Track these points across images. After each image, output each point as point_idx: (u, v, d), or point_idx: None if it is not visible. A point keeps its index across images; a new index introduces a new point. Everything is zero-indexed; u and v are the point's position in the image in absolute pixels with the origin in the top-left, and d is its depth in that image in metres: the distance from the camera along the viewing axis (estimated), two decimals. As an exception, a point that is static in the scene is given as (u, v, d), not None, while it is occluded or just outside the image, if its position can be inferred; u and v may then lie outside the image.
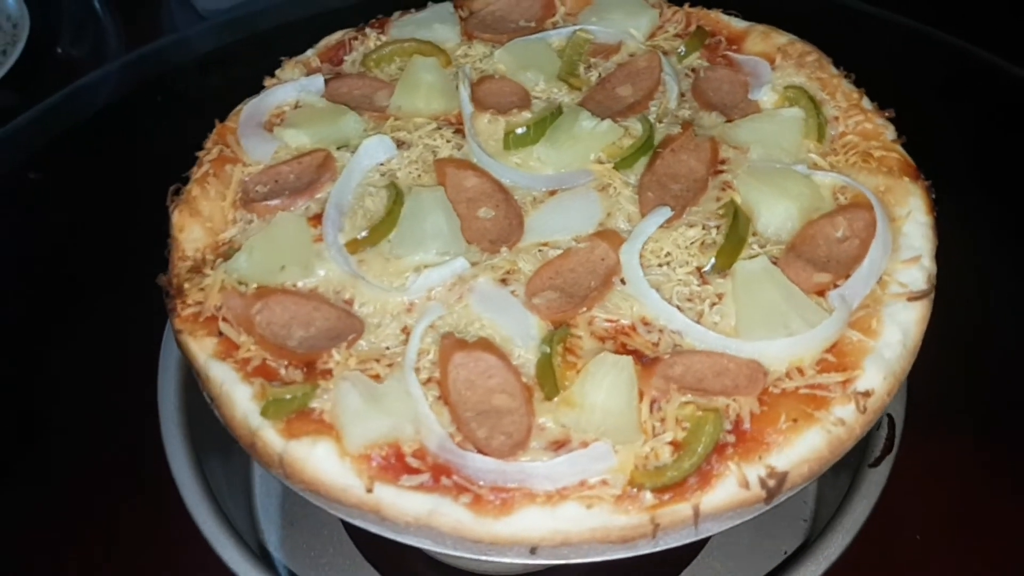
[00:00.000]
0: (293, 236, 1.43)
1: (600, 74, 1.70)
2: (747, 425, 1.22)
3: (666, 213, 1.42)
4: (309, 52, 1.75)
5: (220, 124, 1.60)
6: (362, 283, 1.38)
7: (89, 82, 2.52)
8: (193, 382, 1.43)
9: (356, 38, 1.75)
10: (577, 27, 1.75)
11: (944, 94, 2.26)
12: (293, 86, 1.65)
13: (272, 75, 1.70)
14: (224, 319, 1.34)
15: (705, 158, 1.53)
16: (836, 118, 1.60)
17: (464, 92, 1.60)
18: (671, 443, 1.20)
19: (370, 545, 1.76)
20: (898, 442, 1.53)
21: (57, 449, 1.89)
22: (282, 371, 1.31)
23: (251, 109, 1.61)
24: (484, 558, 1.20)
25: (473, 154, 1.54)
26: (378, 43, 1.75)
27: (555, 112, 1.57)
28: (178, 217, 1.47)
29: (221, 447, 1.61)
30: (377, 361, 1.30)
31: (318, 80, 1.65)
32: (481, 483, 1.19)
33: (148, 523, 1.74)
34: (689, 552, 1.71)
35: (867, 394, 1.25)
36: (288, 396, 1.25)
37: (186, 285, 1.39)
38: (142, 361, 1.64)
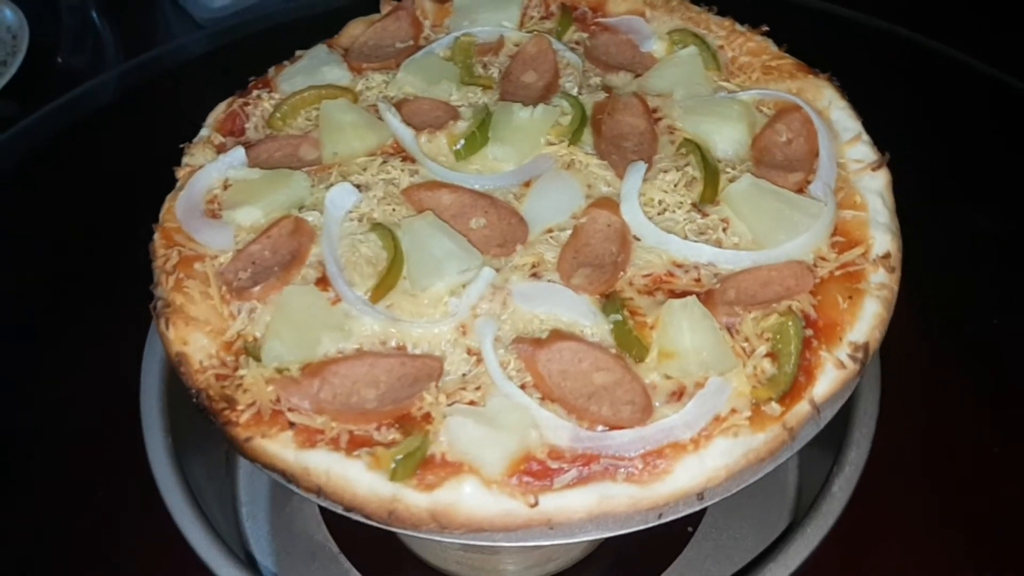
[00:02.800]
0: (311, 307, 1.35)
1: (499, 70, 1.74)
2: (815, 316, 1.33)
3: (642, 167, 1.50)
4: (205, 131, 1.64)
5: (159, 227, 1.47)
6: (403, 325, 1.34)
7: (88, 90, 2.62)
8: (175, 389, 1.45)
9: (248, 103, 1.67)
10: (458, 33, 1.78)
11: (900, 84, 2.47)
12: (215, 167, 1.54)
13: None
14: (290, 409, 1.26)
15: (639, 112, 1.62)
16: (721, 47, 1.75)
17: (393, 120, 1.58)
18: (767, 355, 1.29)
19: (357, 551, 1.79)
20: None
21: (40, 461, 1.92)
22: (375, 434, 1.25)
23: (184, 203, 1.50)
24: (659, 522, 1.22)
25: (435, 174, 1.54)
26: (272, 101, 1.68)
27: (488, 113, 1.59)
28: (175, 332, 1.34)
29: (204, 456, 1.67)
30: (464, 389, 1.28)
31: (239, 153, 1.56)
32: (630, 455, 1.21)
33: (133, 533, 1.77)
34: (679, 541, 1.79)
35: (887, 255, 1.40)
36: (410, 451, 1.20)
37: (227, 392, 1.28)
38: (131, 369, 1.64)
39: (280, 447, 1.23)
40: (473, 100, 1.67)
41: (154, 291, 1.42)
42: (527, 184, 1.53)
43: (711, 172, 1.50)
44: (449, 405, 1.26)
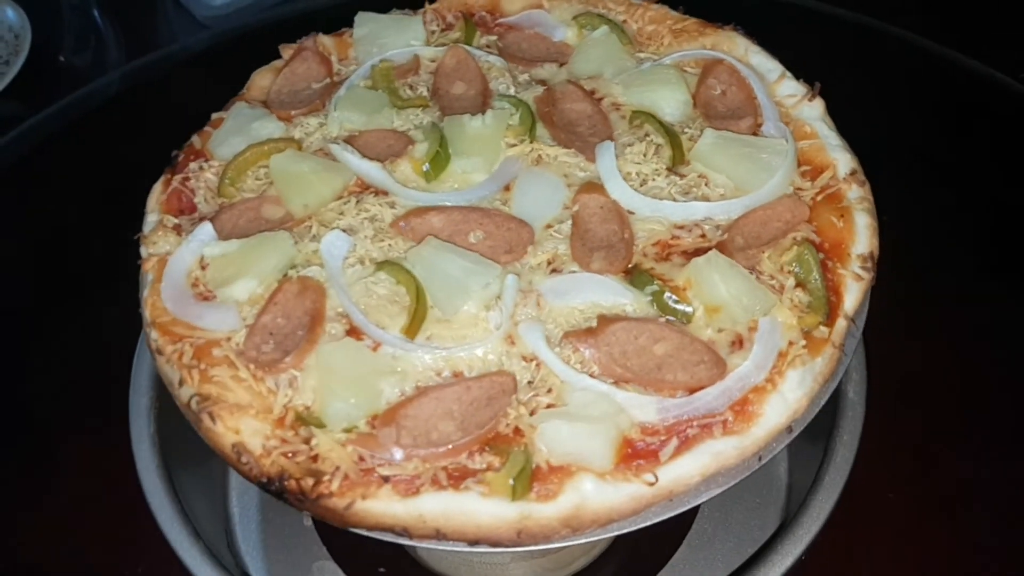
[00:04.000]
0: (356, 359, 1.31)
1: (426, 87, 1.73)
2: (820, 240, 1.43)
3: (611, 146, 1.55)
4: (153, 215, 1.53)
5: (155, 324, 1.37)
6: (452, 352, 1.33)
7: (91, 89, 2.63)
8: (166, 401, 1.43)
9: (188, 177, 1.57)
10: (374, 60, 1.75)
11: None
12: (188, 249, 1.45)
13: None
14: (379, 465, 1.22)
15: (580, 97, 1.67)
16: (624, 21, 1.83)
17: (353, 159, 1.54)
18: (797, 286, 1.37)
19: (353, 561, 1.79)
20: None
21: (30, 477, 1.89)
22: (469, 463, 1.23)
23: (170, 293, 1.40)
24: (759, 466, 1.28)
25: (414, 200, 1.52)
26: (214, 170, 1.59)
27: (440, 130, 1.59)
28: (223, 426, 1.26)
29: (195, 470, 1.68)
30: (537, 395, 1.28)
31: (208, 229, 1.47)
32: (720, 409, 1.26)
33: (128, 550, 1.76)
34: (671, 543, 1.80)
35: (854, 172, 1.52)
36: (520, 468, 1.19)
37: (304, 465, 1.22)
38: (126, 372, 1.66)
39: (386, 503, 1.19)
40: (416, 122, 1.65)
41: (178, 392, 1.33)
42: (507, 188, 1.54)
43: (674, 135, 1.57)
44: (531, 415, 1.26)
